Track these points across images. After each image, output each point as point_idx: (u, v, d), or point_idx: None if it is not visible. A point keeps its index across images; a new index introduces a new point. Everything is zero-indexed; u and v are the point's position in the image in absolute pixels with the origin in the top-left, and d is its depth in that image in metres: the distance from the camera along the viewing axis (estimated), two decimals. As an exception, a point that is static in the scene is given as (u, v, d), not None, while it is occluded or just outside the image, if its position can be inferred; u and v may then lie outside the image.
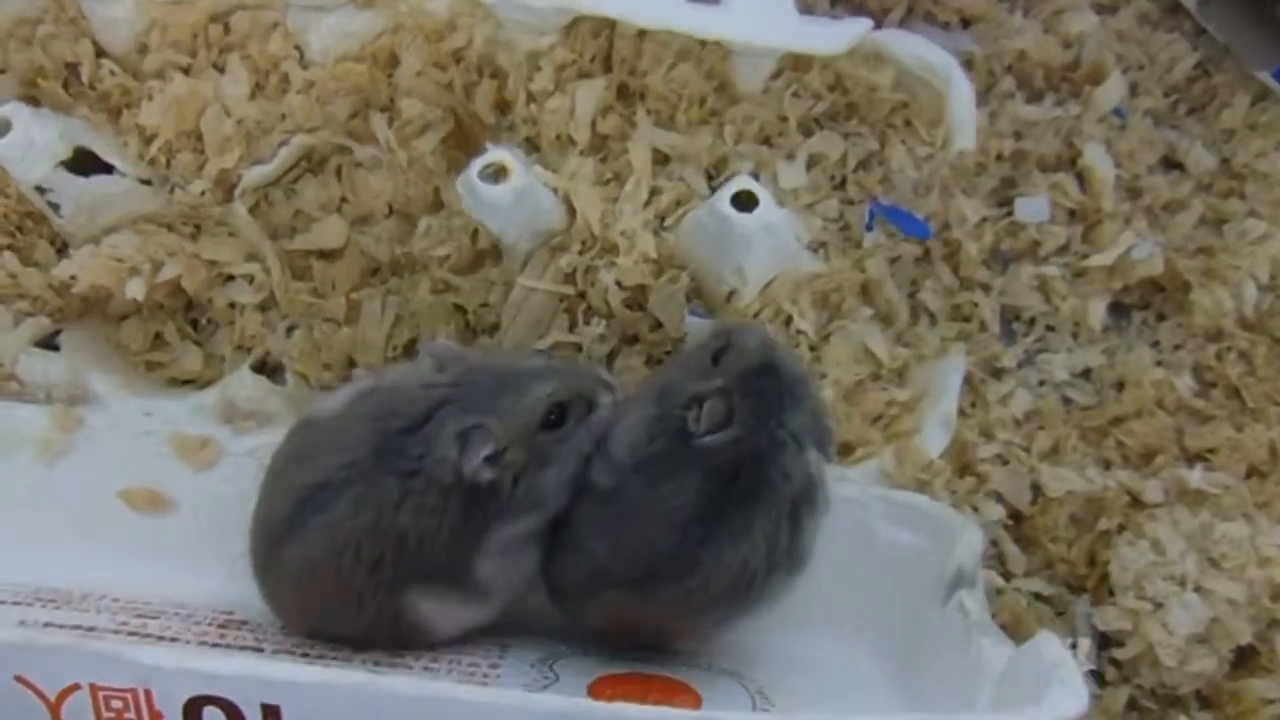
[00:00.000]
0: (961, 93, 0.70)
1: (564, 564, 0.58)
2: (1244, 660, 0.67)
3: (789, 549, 0.56)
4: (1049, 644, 0.50)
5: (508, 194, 0.66)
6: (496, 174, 0.67)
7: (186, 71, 0.74)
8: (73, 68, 0.75)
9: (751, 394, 0.55)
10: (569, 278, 0.69)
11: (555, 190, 0.69)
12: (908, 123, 0.70)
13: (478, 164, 0.67)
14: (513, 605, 0.59)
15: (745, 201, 0.65)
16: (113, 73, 0.75)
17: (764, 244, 0.66)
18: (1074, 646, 0.67)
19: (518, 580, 0.58)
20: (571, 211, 0.69)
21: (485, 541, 0.55)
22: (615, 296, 0.69)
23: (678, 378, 0.58)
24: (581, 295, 0.69)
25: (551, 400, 0.55)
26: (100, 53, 0.76)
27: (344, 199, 0.74)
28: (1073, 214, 0.76)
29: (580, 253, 0.69)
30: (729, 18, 0.64)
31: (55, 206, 0.71)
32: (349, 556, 0.54)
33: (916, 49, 0.70)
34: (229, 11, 0.75)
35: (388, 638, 0.57)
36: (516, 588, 0.58)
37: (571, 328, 0.69)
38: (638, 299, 0.69)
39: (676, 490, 0.55)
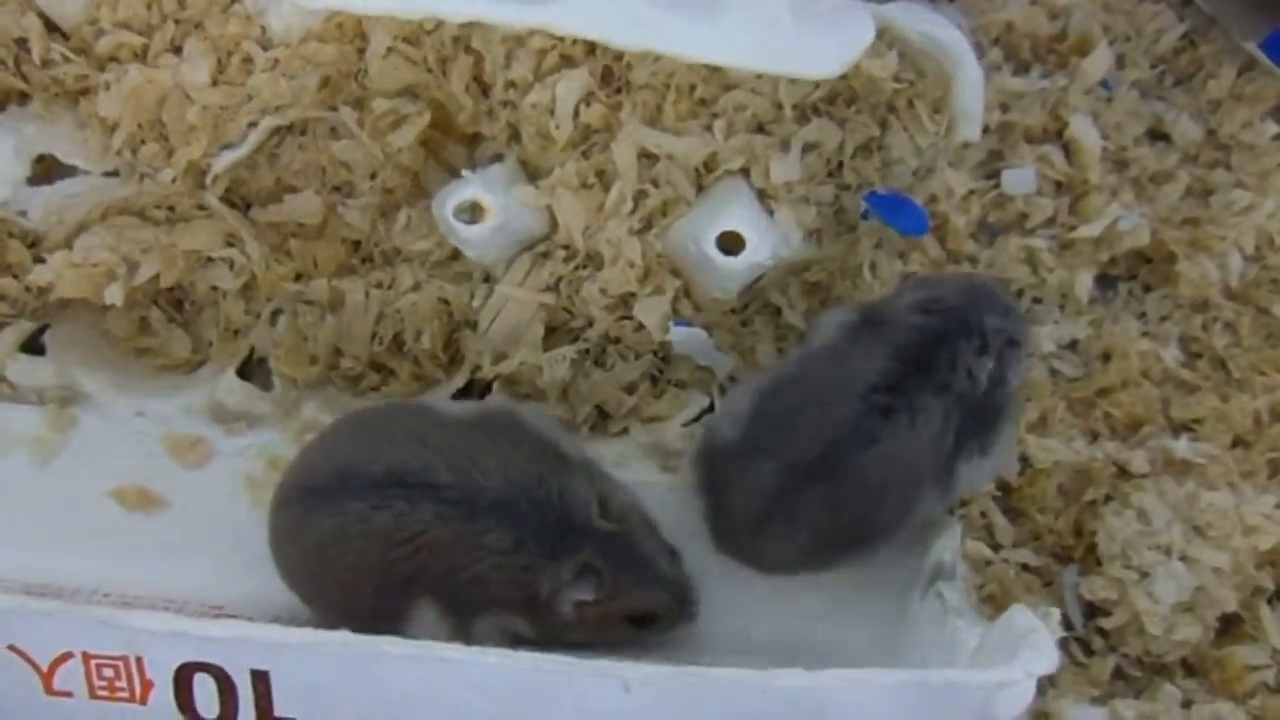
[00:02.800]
0: (970, 76, 0.67)
1: (746, 481, 0.59)
2: (1229, 628, 0.68)
3: (980, 437, 0.59)
4: (1021, 614, 0.51)
5: (484, 232, 0.66)
6: (472, 210, 0.66)
7: (143, 56, 0.71)
8: (23, 43, 0.72)
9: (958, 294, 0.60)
10: (552, 286, 0.68)
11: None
12: (910, 105, 0.69)
13: (451, 200, 0.66)
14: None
15: (731, 243, 0.65)
16: (66, 58, 0.72)
17: (751, 276, 0.67)
18: (1064, 616, 0.70)
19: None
20: (554, 219, 0.68)
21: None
22: (598, 304, 0.68)
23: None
24: (568, 299, 0.69)
25: (649, 610, 0.58)
26: (51, 27, 0.73)
27: (323, 168, 0.73)
28: (1059, 186, 0.76)
29: (564, 260, 0.68)
30: (719, 38, 0.61)
31: (23, 213, 0.69)
32: (425, 553, 0.55)
33: (925, 25, 0.67)
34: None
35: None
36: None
37: (550, 334, 0.69)
38: (623, 305, 0.69)
39: (865, 358, 0.58)
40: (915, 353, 0.59)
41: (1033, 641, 0.48)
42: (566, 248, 0.69)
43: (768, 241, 0.66)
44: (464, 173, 0.68)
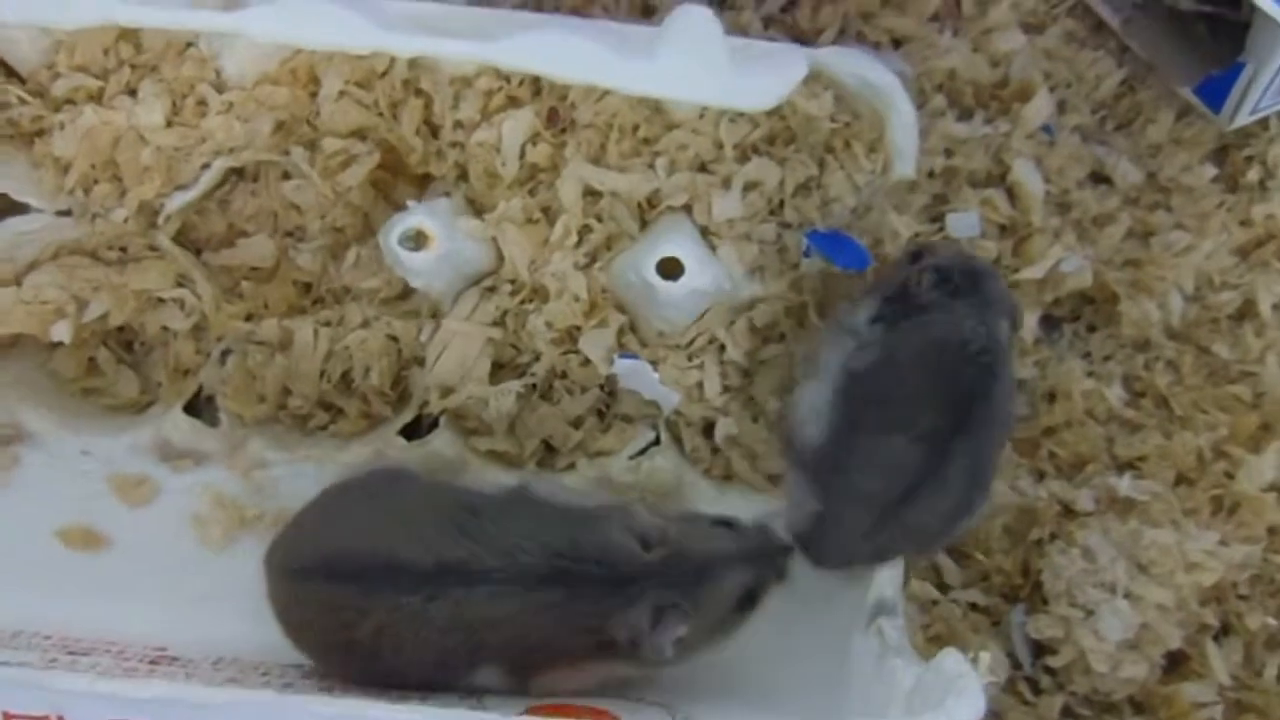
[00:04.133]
0: (904, 117, 0.69)
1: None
2: (1175, 665, 0.68)
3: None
4: (951, 658, 0.52)
5: (429, 260, 0.67)
6: (417, 239, 0.67)
7: (98, 98, 0.72)
8: (-21, 88, 0.73)
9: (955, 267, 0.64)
10: (499, 320, 0.69)
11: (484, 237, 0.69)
12: (847, 145, 0.70)
13: (397, 229, 0.67)
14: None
15: (671, 269, 0.65)
16: (21, 100, 0.72)
17: (692, 304, 0.67)
18: (1010, 656, 0.69)
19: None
20: (500, 253, 0.69)
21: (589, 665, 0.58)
22: (544, 337, 0.68)
23: (886, 276, 0.67)
24: (514, 333, 0.69)
25: (745, 589, 0.59)
26: (9, 72, 0.73)
27: (275, 213, 0.73)
28: (1003, 229, 0.77)
29: (510, 294, 0.69)
30: (658, 73, 0.62)
31: (-26, 251, 0.69)
32: (470, 635, 0.56)
33: (860, 69, 0.69)
34: (140, 27, 0.73)
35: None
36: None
37: (498, 369, 0.69)
38: (569, 339, 0.69)
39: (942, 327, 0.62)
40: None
41: (959, 688, 0.49)
42: (512, 282, 0.70)
43: (708, 269, 0.67)
44: (409, 203, 0.69)
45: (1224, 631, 0.69)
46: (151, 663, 0.61)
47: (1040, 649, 0.69)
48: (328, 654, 0.59)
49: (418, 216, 0.67)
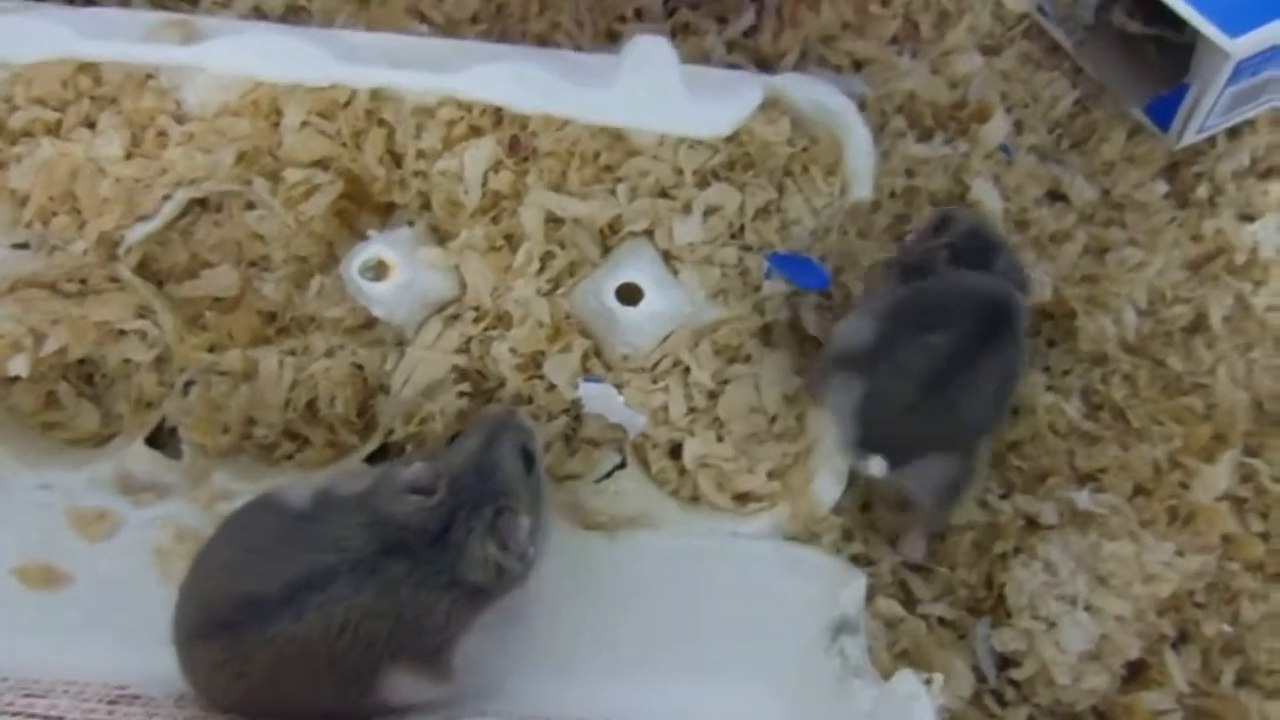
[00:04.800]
0: (859, 141, 0.70)
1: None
2: (1135, 675, 0.69)
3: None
4: (906, 680, 0.54)
5: (389, 289, 0.67)
6: (377, 269, 0.67)
7: (56, 131, 0.71)
8: (-68, 123, 0.72)
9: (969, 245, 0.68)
10: (463, 348, 0.69)
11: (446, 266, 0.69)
12: (805, 170, 0.71)
13: (358, 259, 0.67)
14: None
15: (630, 294, 0.66)
16: (-23, 132, 0.72)
17: (653, 328, 0.68)
18: (975, 669, 0.70)
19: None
20: (463, 281, 0.69)
21: (477, 616, 0.57)
22: (509, 363, 0.69)
23: (910, 244, 0.73)
24: (480, 358, 0.69)
25: (518, 451, 0.60)
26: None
27: (239, 243, 0.73)
28: (963, 247, 0.78)
29: (474, 321, 0.69)
30: (615, 101, 0.63)
31: (-73, 285, 0.68)
32: (348, 634, 0.55)
33: (815, 94, 0.70)
34: (97, 61, 0.72)
35: (346, 712, 0.57)
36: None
37: (462, 395, 0.69)
38: (533, 365, 0.69)
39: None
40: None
41: (912, 710, 0.49)
42: (476, 309, 0.70)
43: (667, 294, 0.68)
44: (370, 233, 0.69)
45: (1182, 639, 0.71)
46: (111, 702, 0.60)
47: (1005, 662, 0.70)
48: (248, 710, 0.58)
49: (377, 246, 0.68)
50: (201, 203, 0.73)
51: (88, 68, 0.72)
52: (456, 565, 0.56)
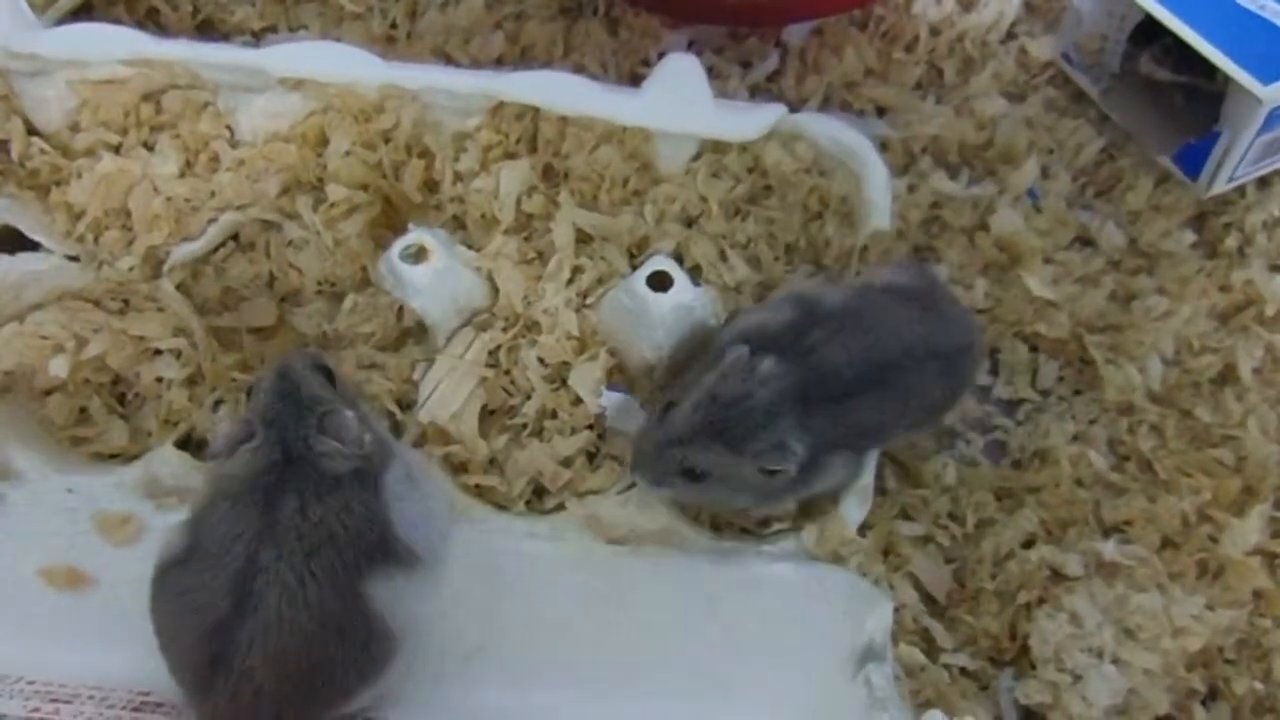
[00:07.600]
0: (877, 175, 0.71)
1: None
2: (1164, 731, 0.67)
3: None
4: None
5: (427, 274, 0.68)
6: (417, 255, 0.68)
7: (117, 150, 0.75)
8: (3, 145, 0.76)
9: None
10: (491, 355, 0.70)
11: (479, 269, 0.70)
12: (825, 203, 0.72)
13: (399, 245, 0.69)
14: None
15: (661, 282, 0.67)
16: (43, 151, 0.75)
17: (680, 321, 0.68)
18: (996, 720, 0.68)
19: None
20: (495, 290, 0.70)
21: (383, 493, 0.58)
22: (536, 373, 0.69)
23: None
24: (506, 372, 0.70)
25: (309, 367, 0.60)
26: (31, 130, 0.77)
27: (273, 276, 0.75)
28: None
29: (504, 329, 0.70)
30: (647, 105, 0.66)
31: (-22, 283, 0.70)
32: (308, 585, 0.56)
33: (833, 131, 0.71)
34: (161, 90, 0.76)
35: (359, 653, 0.57)
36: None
37: (489, 413, 0.69)
38: (559, 375, 0.70)
39: None
40: None
41: None
42: (506, 317, 0.71)
43: (695, 288, 0.68)
44: (410, 226, 0.70)
45: (1211, 696, 0.68)
46: (135, 710, 0.60)
47: (1029, 715, 0.68)
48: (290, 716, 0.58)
49: (418, 233, 0.70)
50: (235, 239, 0.76)
51: (151, 96, 0.76)
52: (322, 468, 0.56)
